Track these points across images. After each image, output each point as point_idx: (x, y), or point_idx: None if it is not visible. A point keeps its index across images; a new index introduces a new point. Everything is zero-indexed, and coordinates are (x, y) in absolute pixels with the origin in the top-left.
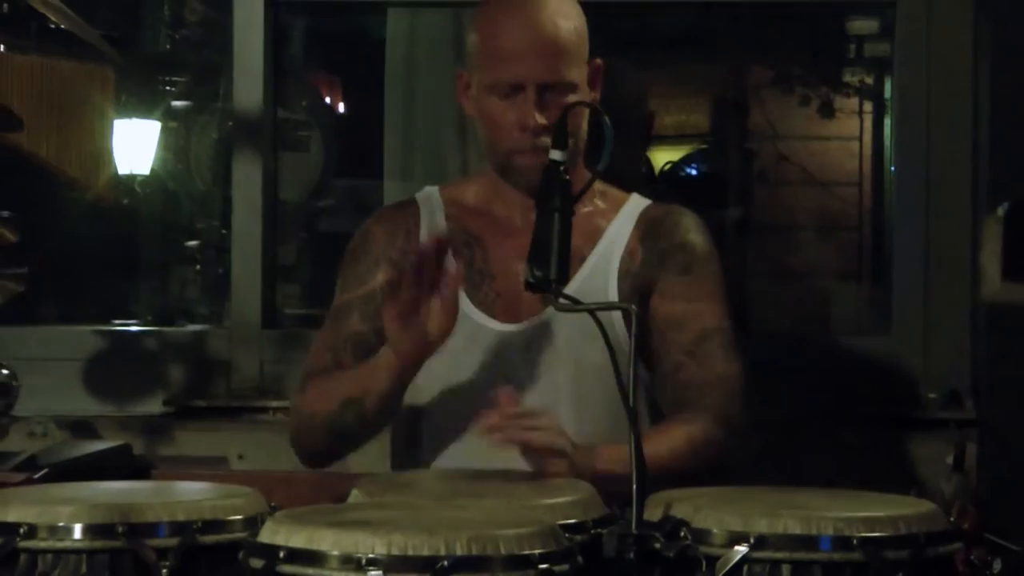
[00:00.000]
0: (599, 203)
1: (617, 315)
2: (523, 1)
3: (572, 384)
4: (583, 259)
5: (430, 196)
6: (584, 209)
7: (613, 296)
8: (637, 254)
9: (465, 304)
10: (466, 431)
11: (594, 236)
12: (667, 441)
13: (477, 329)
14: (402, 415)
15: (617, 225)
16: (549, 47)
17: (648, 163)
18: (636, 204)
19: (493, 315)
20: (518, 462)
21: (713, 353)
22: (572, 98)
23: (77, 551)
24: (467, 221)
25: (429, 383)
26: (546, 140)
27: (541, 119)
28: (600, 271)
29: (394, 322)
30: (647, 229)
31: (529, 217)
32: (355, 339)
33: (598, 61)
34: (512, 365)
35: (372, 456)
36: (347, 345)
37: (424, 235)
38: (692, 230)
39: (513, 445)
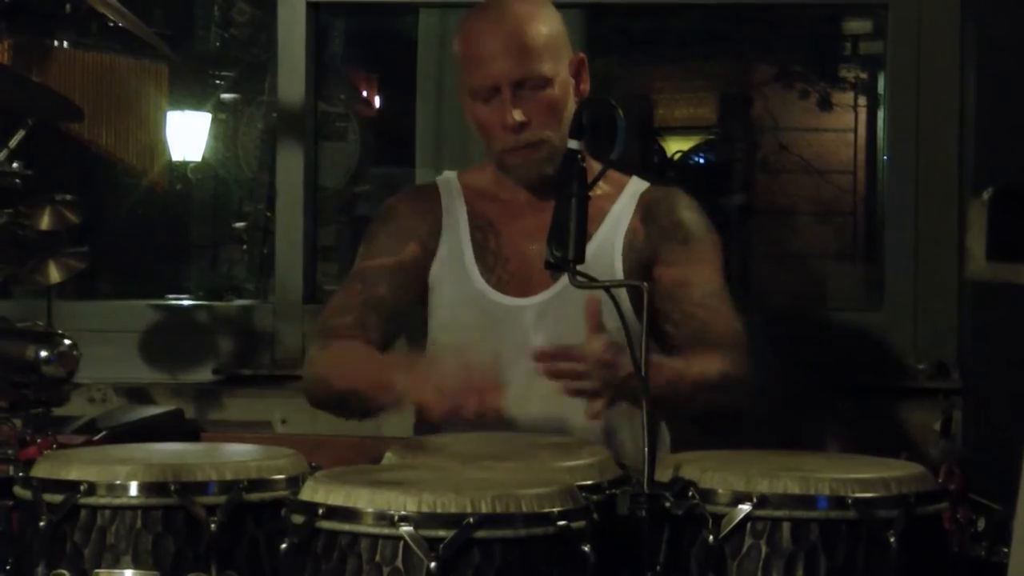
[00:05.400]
0: (603, 186)
1: (623, 288)
2: (493, 11)
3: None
4: (590, 238)
5: (449, 181)
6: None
7: (618, 270)
8: (639, 232)
9: (480, 284)
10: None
11: (599, 217)
12: (695, 370)
13: (493, 306)
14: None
15: (620, 206)
16: (516, 47)
17: (661, 151)
18: (636, 186)
19: (507, 293)
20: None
21: (721, 308)
22: (549, 92)
23: (133, 507)
24: (481, 206)
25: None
26: (528, 136)
27: (519, 116)
28: (606, 249)
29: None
30: (647, 209)
31: (532, 200)
32: (381, 304)
33: (580, 55)
34: (527, 335)
35: (405, 421)
36: (372, 308)
37: (445, 216)
38: (688, 209)
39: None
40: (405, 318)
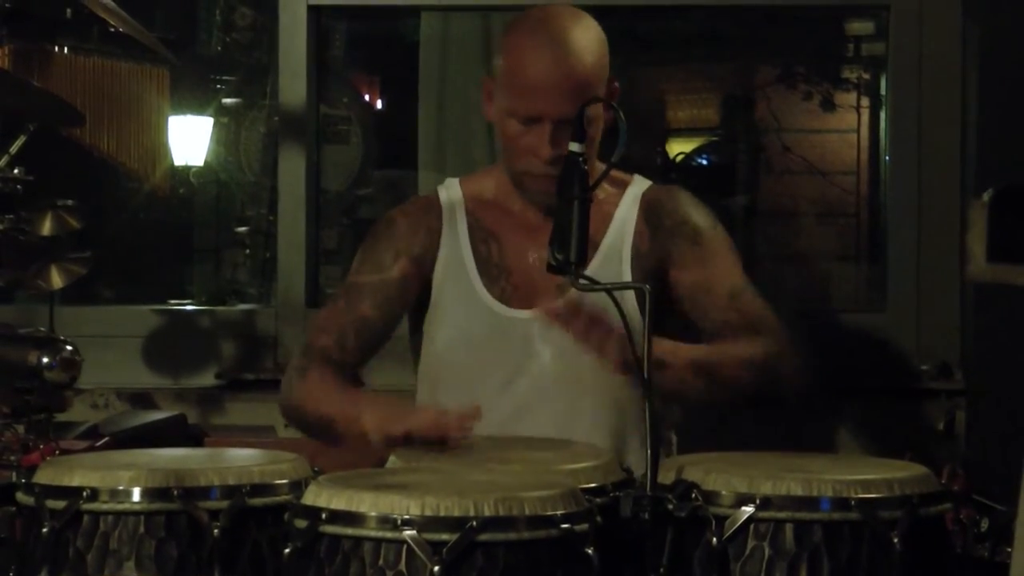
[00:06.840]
0: (607, 187)
1: (630, 295)
2: (551, 34)
3: (588, 366)
4: (597, 246)
5: (452, 191)
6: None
7: (627, 278)
8: (645, 236)
9: (484, 295)
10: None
11: (604, 223)
12: (734, 352)
13: (496, 319)
14: (426, 401)
15: (623, 210)
16: (571, 85)
17: (664, 153)
18: (638, 187)
19: (511, 305)
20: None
21: (751, 302)
22: (589, 128)
23: (136, 513)
24: (484, 216)
25: (451, 370)
26: (558, 169)
27: (555, 151)
28: (613, 256)
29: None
30: (650, 210)
31: (540, 215)
32: (362, 323)
33: (615, 85)
34: (531, 350)
35: None
36: (353, 328)
37: (445, 229)
38: (691, 205)
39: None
40: (388, 334)
